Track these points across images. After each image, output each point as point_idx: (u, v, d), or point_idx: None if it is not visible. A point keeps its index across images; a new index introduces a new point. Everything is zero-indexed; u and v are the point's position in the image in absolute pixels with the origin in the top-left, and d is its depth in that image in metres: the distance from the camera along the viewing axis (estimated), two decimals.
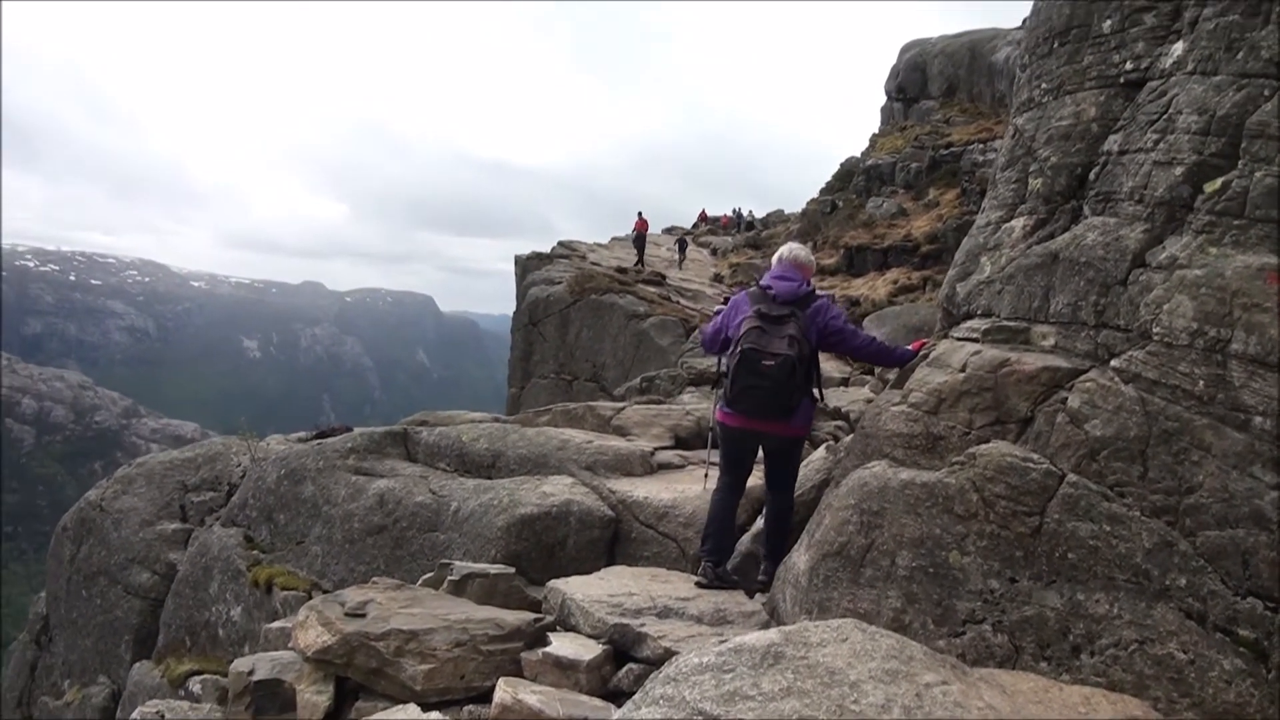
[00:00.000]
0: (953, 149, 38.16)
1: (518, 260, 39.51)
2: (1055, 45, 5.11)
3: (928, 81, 50.48)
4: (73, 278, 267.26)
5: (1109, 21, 4.77)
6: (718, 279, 40.05)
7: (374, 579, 6.44)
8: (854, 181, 43.41)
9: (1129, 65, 4.62)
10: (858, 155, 50.31)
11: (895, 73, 53.90)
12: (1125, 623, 3.80)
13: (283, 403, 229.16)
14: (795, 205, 55.88)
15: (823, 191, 47.71)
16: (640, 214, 46.31)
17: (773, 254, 7.00)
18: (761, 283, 6.34)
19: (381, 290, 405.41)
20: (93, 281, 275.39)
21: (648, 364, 25.83)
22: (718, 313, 6.67)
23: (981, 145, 35.09)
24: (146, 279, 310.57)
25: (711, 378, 17.60)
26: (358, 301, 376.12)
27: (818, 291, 6.31)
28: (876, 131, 54.81)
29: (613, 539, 7.29)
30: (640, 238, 43.14)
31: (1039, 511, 4.14)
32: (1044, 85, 5.15)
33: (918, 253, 32.25)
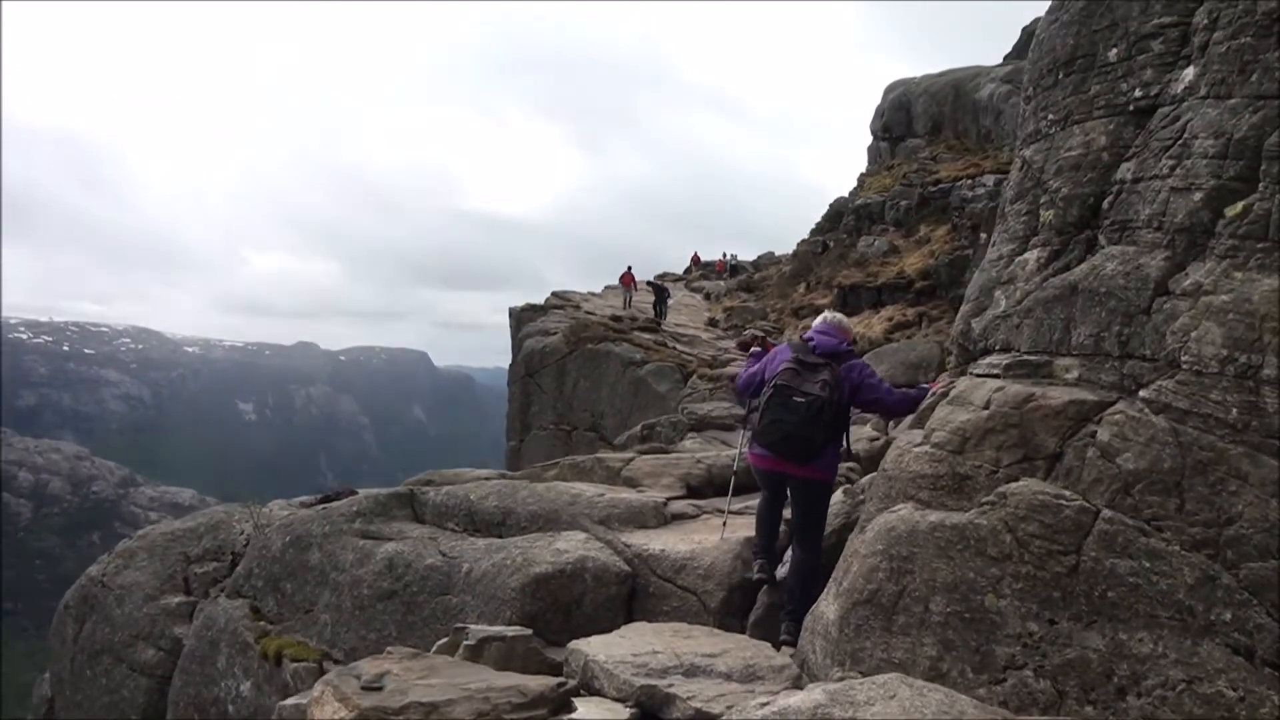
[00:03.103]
0: (941, 185, 38.35)
1: (512, 312, 39.54)
2: (1060, 76, 5.07)
3: (913, 120, 50.84)
4: (66, 348, 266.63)
5: (1115, 50, 4.73)
6: (712, 323, 40.05)
7: (388, 648, 6.27)
8: (844, 221, 43.51)
9: (1138, 92, 4.58)
10: (846, 195, 50.51)
11: (880, 113, 54.29)
12: (1171, 661, 3.69)
13: (280, 464, 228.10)
14: (785, 246, 55.99)
15: (813, 232, 47.80)
16: (629, 269, 46.29)
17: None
18: (805, 335, 6.70)
19: (376, 347, 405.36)
20: (86, 351, 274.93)
21: (646, 411, 25.74)
22: (752, 355, 7.19)
23: (970, 181, 35.28)
24: (140, 346, 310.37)
25: (714, 422, 17.55)
26: (351, 360, 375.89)
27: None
28: (864, 171, 55.08)
29: (630, 594, 7.14)
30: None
31: (1075, 550, 4.04)
32: (1050, 116, 5.11)
33: (911, 289, 32.29)
